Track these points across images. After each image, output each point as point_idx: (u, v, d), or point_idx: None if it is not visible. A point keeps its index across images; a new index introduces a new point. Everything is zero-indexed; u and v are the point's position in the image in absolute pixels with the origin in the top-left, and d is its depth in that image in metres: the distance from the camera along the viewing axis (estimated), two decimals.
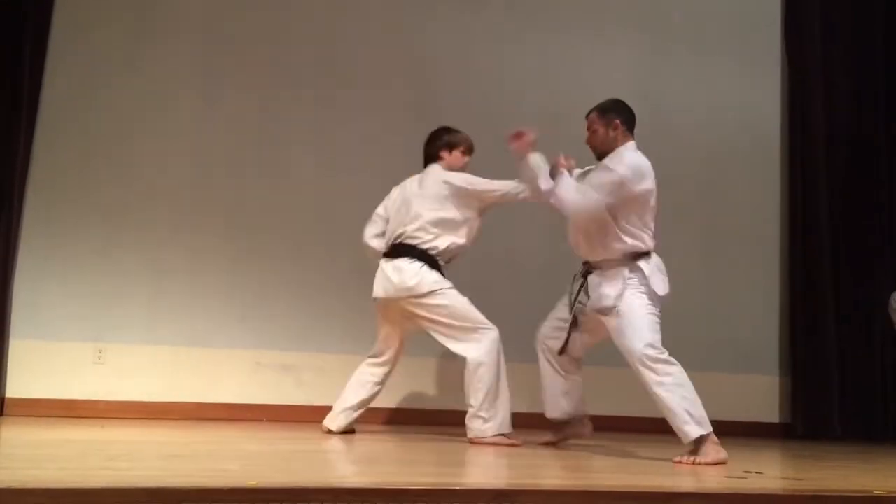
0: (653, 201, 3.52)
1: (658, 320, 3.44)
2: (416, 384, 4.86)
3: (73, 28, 4.66)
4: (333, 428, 3.79)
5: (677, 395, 3.32)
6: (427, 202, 3.78)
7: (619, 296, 3.40)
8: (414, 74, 5.15)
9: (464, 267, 3.98)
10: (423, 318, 3.73)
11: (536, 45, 5.44)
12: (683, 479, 2.72)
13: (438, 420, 4.69)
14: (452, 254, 3.83)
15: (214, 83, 4.86)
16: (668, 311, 5.34)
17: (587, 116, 3.67)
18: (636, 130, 3.65)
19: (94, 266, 4.56)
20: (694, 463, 3.19)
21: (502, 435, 3.65)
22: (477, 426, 3.63)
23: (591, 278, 3.54)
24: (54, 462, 2.59)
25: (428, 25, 5.27)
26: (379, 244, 3.92)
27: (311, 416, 4.22)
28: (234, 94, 4.83)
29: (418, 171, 3.98)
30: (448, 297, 3.73)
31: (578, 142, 5.40)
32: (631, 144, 3.61)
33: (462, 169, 3.92)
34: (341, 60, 5.06)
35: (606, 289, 3.43)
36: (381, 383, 3.90)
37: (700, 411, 3.31)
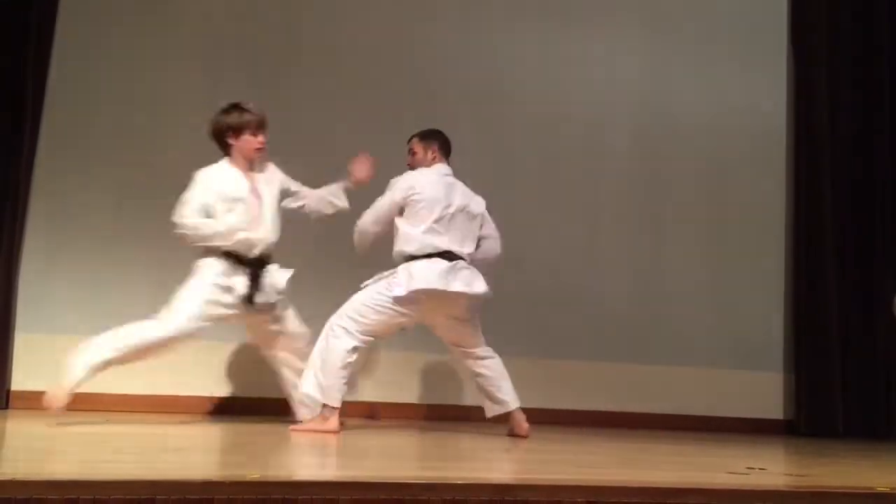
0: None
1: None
2: (408, 379, 4.88)
3: (77, 24, 4.67)
4: None
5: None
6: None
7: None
8: (415, 75, 5.12)
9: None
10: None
11: (539, 44, 5.42)
12: (686, 475, 2.72)
13: (432, 415, 4.71)
14: None
15: (216, 82, 4.85)
16: (673, 308, 5.40)
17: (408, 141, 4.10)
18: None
19: (98, 260, 4.57)
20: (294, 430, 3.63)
21: None
22: None
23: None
24: (60, 454, 2.61)
25: (429, 25, 5.25)
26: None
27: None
28: (235, 93, 4.81)
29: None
30: None
31: (582, 142, 5.43)
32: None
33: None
34: (343, 57, 5.05)
35: None
36: None
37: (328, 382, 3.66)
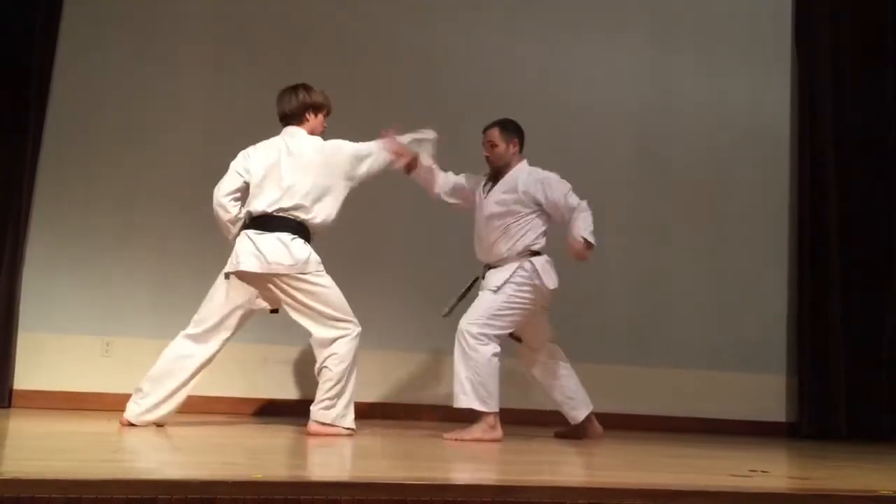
0: None
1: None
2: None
3: (82, 23, 4.69)
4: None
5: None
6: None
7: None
8: (419, 77, 5.14)
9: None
10: (299, 296, 3.55)
11: (544, 43, 5.43)
12: (689, 477, 2.72)
13: (435, 416, 4.70)
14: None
15: (223, 79, 4.88)
16: (676, 310, 5.39)
17: (485, 131, 4.00)
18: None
19: (101, 260, 4.59)
20: (457, 439, 3.61)
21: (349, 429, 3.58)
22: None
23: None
24: (62, 454, 2.60)
25: (434, 23, 5.26)
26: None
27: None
28: (242, 90, 4.84)
29: None
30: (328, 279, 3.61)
31: (585, 143, 5.42)
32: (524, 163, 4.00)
33: (322, 134, 3.78)
34: (349, 54, 5.06)
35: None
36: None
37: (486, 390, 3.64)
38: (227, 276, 3.58)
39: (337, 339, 3.56)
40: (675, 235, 5.51)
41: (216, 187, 3.69)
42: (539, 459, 3.19)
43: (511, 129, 3.97)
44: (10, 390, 4.32)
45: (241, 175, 3.67)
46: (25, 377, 4.37)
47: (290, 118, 3.74)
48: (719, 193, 5.61)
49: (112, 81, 4.72)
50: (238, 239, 3.60)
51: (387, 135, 3.81)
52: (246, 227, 3.61)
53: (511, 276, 3.79)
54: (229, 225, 3.69)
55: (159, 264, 4.63)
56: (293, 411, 4.46)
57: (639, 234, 5.43)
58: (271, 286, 3.56)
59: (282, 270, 3.50)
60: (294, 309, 3.58)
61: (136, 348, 4.47)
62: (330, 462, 2.87)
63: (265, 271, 3.50)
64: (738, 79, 5.72)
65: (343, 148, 3.71)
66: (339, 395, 3.55)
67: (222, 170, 3.71)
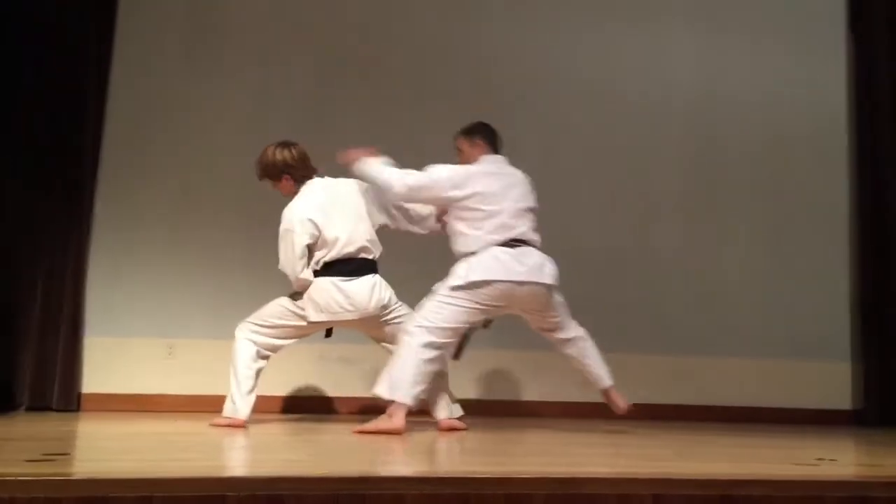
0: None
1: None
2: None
3: (136, 31, 4.81)
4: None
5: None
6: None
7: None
8: (467, 71, 5.13)
9: None
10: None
11: (593, 32, 5.38)
12: (751, 466, 2.67)
13: (480, 410, 4.70)
14: None
15: (271, 81, 4.95)
16: (733, 299, 5.30)
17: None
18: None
19: (161, 266, 4.70)
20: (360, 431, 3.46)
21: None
22: None
23: None
24: (132, 454, 2.68)
25: (479, 20, 5.25)
26: None
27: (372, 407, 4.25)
28: (291, 91, 4.91)
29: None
30: None
31: (636, 132, 5.36)
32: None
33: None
34: (394, 54, 5.09)
35: None
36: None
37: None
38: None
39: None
40: (731, 222, 5.41)
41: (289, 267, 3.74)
42: (597, 451, 3.17)
43: (473, 131, 3.91)
44: (79, 394, 4.45)
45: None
46: (93, 381, 4.51)
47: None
48: (775, 179, 5.48)
49: (167, 91, 4.83)
50: (322, 287, 3.69)
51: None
52: (318, 273, 3.71)
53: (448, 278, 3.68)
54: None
55: (216, 266, 4.73)
56: (351, 409, 4.52)
57: (693, 223, 5.34)
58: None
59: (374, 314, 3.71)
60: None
61: (197, 350, 4.58)
62: (392, 458, 2.90)
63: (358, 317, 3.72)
64: (792, 61, 5.57)
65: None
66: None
67: None
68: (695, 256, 5.31)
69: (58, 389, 4.36)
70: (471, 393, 4.87)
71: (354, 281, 3.68)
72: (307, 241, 3.66)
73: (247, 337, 3.70)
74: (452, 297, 3.59)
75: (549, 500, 2.03)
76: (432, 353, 3.53)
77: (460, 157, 3.93)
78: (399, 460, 2.84)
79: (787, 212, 5.47)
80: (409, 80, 5.09)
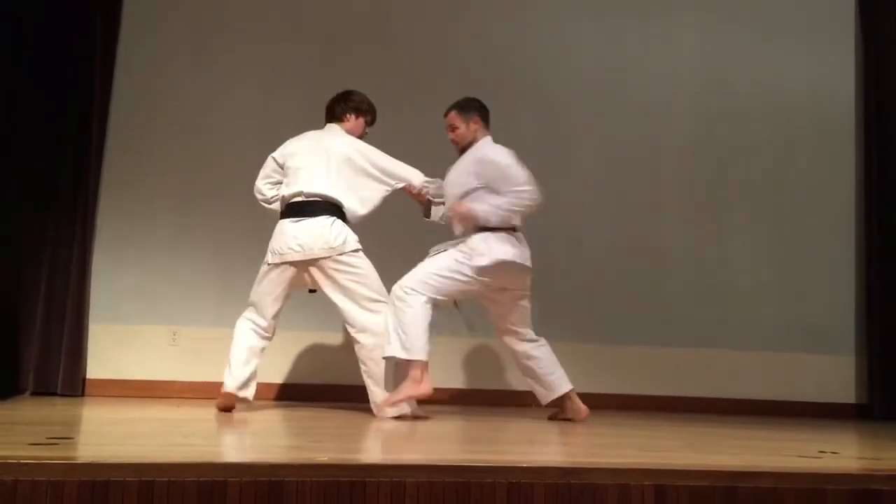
0: None
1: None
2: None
3: (141, 26, 4.81)
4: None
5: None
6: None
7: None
8: (473, 62, 5.10)
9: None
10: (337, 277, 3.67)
11: (600, 24, 5.36)
12: (756, 459, 2.67)
13: (475, 399, 4.70)
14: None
15: (277, 71, 4.94)
16: (739, 292, 5.28)
17: (445, 115, 3.92)
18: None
19: (166, 253, 4.71)
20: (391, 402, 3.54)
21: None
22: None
23: None
24: (135, 438, 2.69)
25: (483, 12, 5.23)
26: None
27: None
28: (299, 82, 4.90)
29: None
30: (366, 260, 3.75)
31: (643, 125, 5.33)
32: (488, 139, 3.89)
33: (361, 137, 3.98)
34: (405, 50, 5.08)
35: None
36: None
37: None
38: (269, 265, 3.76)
39: (371, 321, 3.66)
40: (737, 215, 5.39)
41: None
42: (601, 441, 3.17)
43: (470, 107, 3.90)
44: (84, 379, 4.47)
45: (275, 160, 3.90)
46: (97, 367, 4.53)
47: (332, 117, 3.99)
48: (782, 172, 5.46)
49: (171, 81, 4.83)
50: (276, 230, 3.77)
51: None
52: (283, 215, 3.78)
53: (455, 247, 3.71)
54: (265, 206, 3.91)
55: (220, 255, 4.73)
56: (353, 396, 4.52)
57: (699, 215, 5.32)
58: (311, 269, 3.69)
59: (322, 255, 3.64)
60: (332, 290, 3.70)
61: (201, 337, 4.59)
62: (393, 446, 2.90)
63: (304, 258, 3.66)
64: (800, 53, 5.54)
65: (370, 156, 3.87)
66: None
67: None
68: (701, 249, 5.30)
69: (63, 375, 4.38)
70: (475, 383, 4.89)
71: (303, 221, 3.71)
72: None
73: None
74: (469, 276, 3.63)
75: (550, 490, 2.03)
76: (432, 312, 3.58)
77: (454, 134, 3.90)
78: (400, 448, 2.84)
79: (794, 205, 5.44)
80: (417, 71, 5.06)
